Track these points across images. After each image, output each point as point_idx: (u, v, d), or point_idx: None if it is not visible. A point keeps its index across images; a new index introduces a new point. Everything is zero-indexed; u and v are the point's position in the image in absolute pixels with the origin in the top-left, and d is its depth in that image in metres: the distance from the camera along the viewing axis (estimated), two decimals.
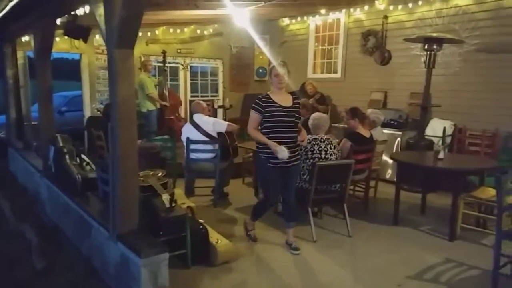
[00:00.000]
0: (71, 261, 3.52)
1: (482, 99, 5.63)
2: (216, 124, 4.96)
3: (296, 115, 3.55)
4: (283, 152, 3.32)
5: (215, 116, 7.87)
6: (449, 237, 3.93)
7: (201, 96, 9.12)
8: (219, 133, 4.92)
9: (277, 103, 3.50)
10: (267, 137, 3.45)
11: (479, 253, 3.61)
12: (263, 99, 3.53)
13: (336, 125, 6.89)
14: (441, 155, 4.20)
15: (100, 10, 2.90)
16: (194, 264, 3.27)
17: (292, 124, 3.51)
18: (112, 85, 2.85)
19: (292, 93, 3.63)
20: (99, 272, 3.27)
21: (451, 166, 4.26)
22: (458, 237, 3.94)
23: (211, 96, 9.34)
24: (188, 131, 4.91)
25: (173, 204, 3.13)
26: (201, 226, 3.46)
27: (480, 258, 3.46)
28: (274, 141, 3.40)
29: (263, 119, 3.51)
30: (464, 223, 3.98)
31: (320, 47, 8.37)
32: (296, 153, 3.59)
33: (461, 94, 5.89)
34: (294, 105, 3.55)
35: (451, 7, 5.97)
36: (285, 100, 3.54)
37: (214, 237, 3.47)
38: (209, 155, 4.81)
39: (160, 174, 3.52)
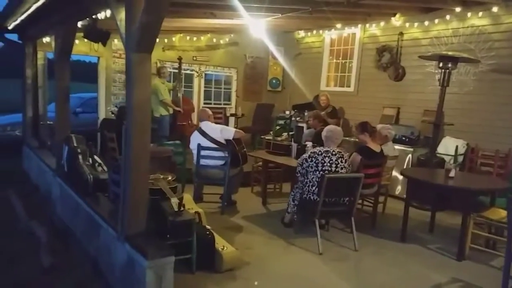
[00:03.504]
0: (78, 261, 3.57)
1: (496, 120, 5.59)
2: (223, 131, 4.99)
3: None
4: None
5: (227, 124, 7.93)
6: (457, 256, 3.88)
7: (214, 104, 9.20)
8: (227, 140, 4.95)
9: None
10: None
11: (487, 275, 3.55)
12: None
13: (347, 138, 6.88)
14: (452, 174, 4.16)
15: (121, 15, 2.98)
16: (199, 270, 3.28)
17: None
18: (129, 88, 2.91)
19: None
20: (105, 273, 3.30)
21: (461, 185, 4.22)
22: (466, 257, 3.88)
23: (224, 104, 9.41)
24: (196, 139, 4.95)
25: (181, 209, 3.15)
26: (207, 232, 3.48)
27: (488, 280, 3.40)
28: None
29: None
30: (473, 243, 3.93)
31: (334, 61, 8.41)
32: None
33: (474, 114, 5.85)
34: None
35: (467, 27, 5.97)
36: None
37: (220, 243, 3.48)
38: (219, 162, 4.85)
39: (170, 178, 3.56)
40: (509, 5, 5.46)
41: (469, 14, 5.90)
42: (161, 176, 3.53)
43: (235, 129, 5.21)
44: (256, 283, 3.21)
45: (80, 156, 4.20)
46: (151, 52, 2.89)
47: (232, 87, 9.37)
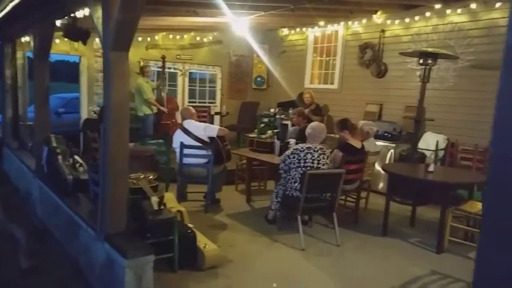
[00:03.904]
0: (57, 262, 3.53)
1: (475, 114, 5.69)
2: (207, 129, 4.99)
3: None
4: None
5: (212, 123, 7.91)
6: (436, 249, 3.95)
7: (199, 103, 9.18)
8: (211, 138, 4.94)
9: None
10: None
11: (465, 267, 3.62)
12: None
13: (332, 135, 6.92)
14: (431, 168, 4.23)
15: (98, 13, 2.95)
16: (181, 268, 3.27)
17: None
18: (107, 87, 2.89)
19: None
20: (85, 273, 3.27)
21: (440, 179, 4.29)
22: (445, 250, 3.95)
23: (209, 102, 9.39)
24: (179, 137, 4.93)
25: (162, 207, 3.14)
26: (189, 230, 3.47)
27: (466, 272, 3.46)
28: None
29: None
30: (452, 236, 4.00)
31: (318, 58, 8.46)
32: None
33: (455, 109, 5.94)
34: None
35: (447, 24, 6.06)
36: None
37: (202, 241, 3.48)
38: (202, 160, 4.84)
39: (151, 177, 3.55)
40: (487, 2, 5.57)
41: (448, 11, 5.99)
42: (142, 175, 3.52)
43: (218, 127, 5.21)
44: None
45: (59, 157, 4.15)
46: (128, 50, 2.87)
47: (217, 85, 9.36)
